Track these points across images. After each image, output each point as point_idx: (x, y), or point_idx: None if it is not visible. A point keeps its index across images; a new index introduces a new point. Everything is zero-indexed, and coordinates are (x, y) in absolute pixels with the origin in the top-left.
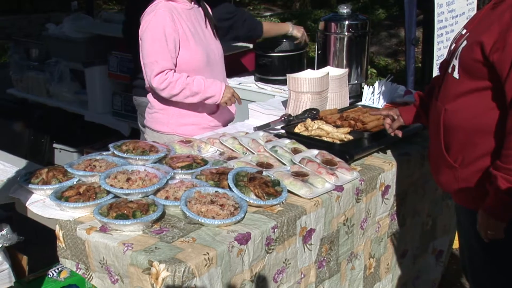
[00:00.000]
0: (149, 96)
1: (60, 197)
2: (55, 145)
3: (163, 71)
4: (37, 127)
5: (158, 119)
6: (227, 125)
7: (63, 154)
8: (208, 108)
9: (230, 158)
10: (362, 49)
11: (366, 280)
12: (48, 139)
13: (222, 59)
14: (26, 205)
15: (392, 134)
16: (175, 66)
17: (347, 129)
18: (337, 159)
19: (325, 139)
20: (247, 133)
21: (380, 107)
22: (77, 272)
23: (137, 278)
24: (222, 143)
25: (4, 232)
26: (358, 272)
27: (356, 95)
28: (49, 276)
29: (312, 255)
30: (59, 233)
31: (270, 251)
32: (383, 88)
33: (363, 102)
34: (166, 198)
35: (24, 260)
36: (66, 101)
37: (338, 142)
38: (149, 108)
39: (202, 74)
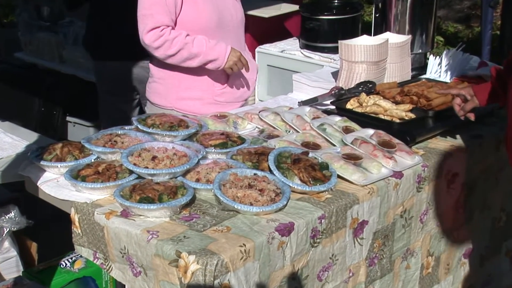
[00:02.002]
0: (150, 63)
1: (76, 176)
2: (68, 118)
3: (158, 27)
4: (48, 97)
5: (156, 90)
6: (241, 102)
7: (77, 129)
8: (214, 79)
9: (271, 137)
10: (428, 12)
11: (422, 281)
12: (60, 111)
13: (242, 24)
14: (38, 184)
15: (462, 118)
16: (175, 24)
17: (409, 106)
18: (396, 140)
19: (382, 117)
20: (290, 108)
21: (448, 81)
22: (95, 262)
23: (163, 271)
24: (261, 119)
25: (11, 215)
26: (413, 271)
27: (420, 66)
28: (61, 266)
29: (363, 250)
30: (75, 217)
31: (315, 244)
32: (452, 59)
33: (427, 75)
34: (197, 180)
35: (34, 247)
36: (82, 67)
37: (398, 120)
38: (150, 77)
39: (212, 39)
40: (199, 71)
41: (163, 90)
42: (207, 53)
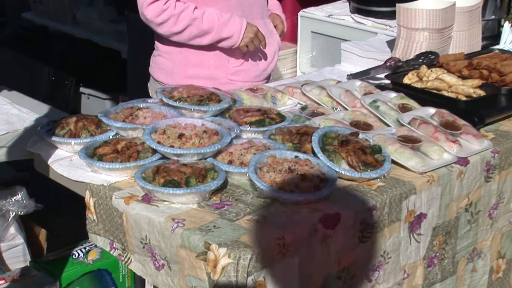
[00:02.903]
0: (155, 35)
1: (93, 154)
2: (82, 89)
3: None
4: (59, 65)
5: (161, 66)
6: (260, 82)
7: (92, 102)
8: (228, 55)
9: (315, 114)
10: None
11: (491, 287)
12: (73, 81)
13: None
14: (48, 163)
15: None
16: None
17: (477, 82)
18: (461, 121)
19: (445, 93)
20: (338, 81)
21: None
22: (111, 252)
23: (189, 265)
24: (304, 94)
25: (18, 197)
26: (481, 275)
27: (492, 35)
28: (73, 256)
29: (420, 248)
30: (90, 202)
31: (364, 239)
32: None
33: (501, 46)
34: (230, 162)
35: (43, 234)
36: (98, 31)
37: (464, 98)
38: (155, 50)
39: (227, 10)
40: (210, 45)
41: (169, 67)
42: (219, 30)
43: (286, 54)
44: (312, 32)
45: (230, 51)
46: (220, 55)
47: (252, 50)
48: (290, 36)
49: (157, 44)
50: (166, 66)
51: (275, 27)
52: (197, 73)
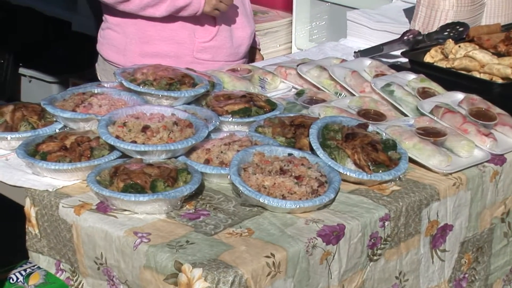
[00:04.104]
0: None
1: (34, 152)
2: (22, 70)
3: None
4: None
5: (111, 41)
6: (236, 62)
7: (34, 85)
8: (194, 26)
9: (314, 102)
10: None
11: None
12: (11, 59)
13: None
14: None
15: None
16: None
17: None
18: (497, 109)
19: (477, 75)
20: (343, 60)
21: None
22: (58, 275)
23: None
24: (301, 76)
25: None
26: None
27: None
28: (11, 281)
29: (445, 268)
30: (31, 212)
31: (375, 257)
32: None
33: None
34: (207, 162)
35: None
36: None
37: (500, 81)
38: (103, 22)
39: None
40: (169, 15)
41: (121, 42)
42: None
43: (278, 26)
44: None
45: (196, 22)
46: (184, 26)
47: (218, 15)
48: (284, 3)
49: (105, 15)
50: (117, 42)
51: (253, 60)
52: (156, 50)
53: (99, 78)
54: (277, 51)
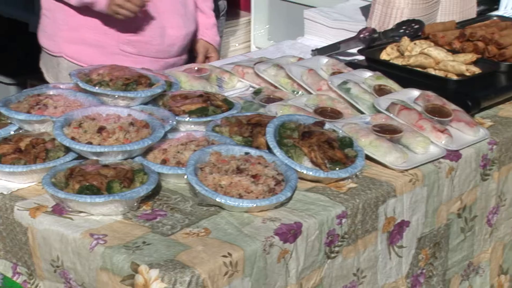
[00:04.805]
0: None
1: None
2: None
3: None
4: None
5: (43, 27)
6: (166, 60)
7: None
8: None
9: (271, 100)
10: None
11: None
12: None
13: None
14: None
15: None
16: None
17: (471, 56)
18: (452, 106)
19: (432, 71)
20: (300, 59)
21: None
22: (15, 279)
23: None
24: (258, 75)
25: None
26: None
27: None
28: None
29: (402, 264)
30: None
31: (333, 255)
32: None
33: (500, 12)
34: (164, 162)
35: None
36: None
37: (455, 77)
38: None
39: None
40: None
41: (51, 28)
42: None
43: (237, 25)
44: None
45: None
46: (111, 17)
47: (123, 17)
48: (242, 2)
49: (41, 2)
50: (48, 28)
51: (208, 58)
52: (83, 37)
53: (41, 69)
54: (236, 50)
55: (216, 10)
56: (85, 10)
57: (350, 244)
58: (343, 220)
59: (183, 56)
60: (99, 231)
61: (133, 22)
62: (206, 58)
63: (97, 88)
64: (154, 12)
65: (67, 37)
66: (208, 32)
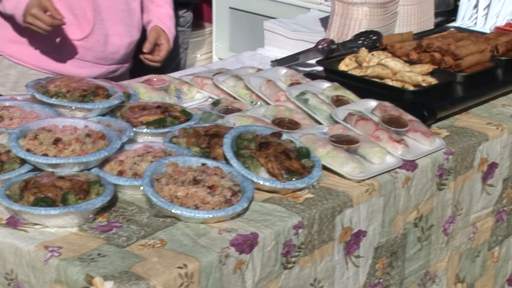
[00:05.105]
0: None
1: None
2: None
3: None
4: None
5: None
6: (107, 67)
7: None
8: (68, 24)
9: (230, 111)
10: None
11: None
12: None
13: None
14: None
15: None
16: None
17: (428, 67)
18: (408, 116)
19: (389, 82)
20: (259, 69)
21: (487, 32)
22: None
23: None
24: (217, 86)
25: None
26: None
27: (447, 10)
28: None
29: (359, 274)
30: None
31: (289, 265)
32: None
33: (458, 23)
34: (120, 173)
35: None
36: None
37: (412, 88)
38: None
39: None
40: None
41: None
42: (3, 4)
43: (199, 36)
44: (230, 8)
45: (69, 20)
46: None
47: (38, 31)
48: (204, 13)
49: None
50: None
51: (159, 45)
52: (23, 38)
53: None
54: (198, 61)
55: (183, 22)
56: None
57: (307, 255)
58: (300, 231)
59: (126, 64)
60: (54, 243)
61: (76, 28)
62: (156, 46)
63: (54, 99)
64: (98, 19)
65: (10, 36)
66: (164, 21)
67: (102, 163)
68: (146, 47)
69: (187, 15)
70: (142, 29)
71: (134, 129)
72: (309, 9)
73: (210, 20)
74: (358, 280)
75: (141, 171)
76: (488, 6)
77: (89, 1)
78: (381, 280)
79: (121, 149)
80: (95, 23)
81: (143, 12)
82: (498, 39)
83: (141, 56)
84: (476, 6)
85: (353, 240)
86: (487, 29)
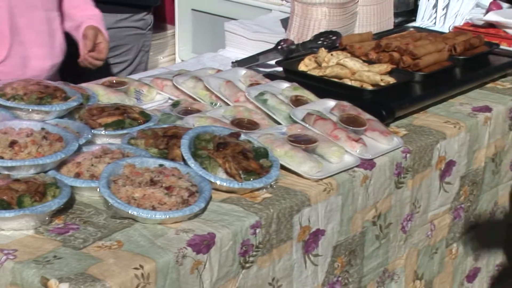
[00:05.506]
0: None
1: None
2: None
3: None
4: None
5: None
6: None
7: None
8: None
9: (189, 112)
10: None
11: None
12: None
13: None
14: None
15: None
16: None
17: (386, 67)
18: (366, 115)
19: (348, 82)
20: (219, 70)
21: (446, 31)
22: None
23: None
24: (177, 87)
25: None
26: None
27: (407, 10)
28: None
29: (318, 273)
30: None
31: (247, 265)
32: None
33: (418, 23)
34: (77, 175)
35: None
36: None
37: (370, 87)
38: None
39: None
40: None
41: None
42: None
43: (161, 38)
44: (192, 10)
45: None
46: None
47: None
48: (168, 15)
49: None
50: None
51: (97, 44)
52: None
53: None
54: (161, 63)
55: (143, 24)
56: None
57: (265, 254)
58: (257, 230)
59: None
60: (9, 246)
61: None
62: (95, 45)
63: (10, 102)
64: (16, 40)
65: None
66: (96, 20)
67: (59, 165)
68: (88, 45)
69: (148, 18)
70: (65, 51)
71: (92, 131)
72: (270, 10)
73: (172, 22)
74: (317, 278)
75: (98, 172)
76: (447, 6)
77: (5, 21)
78: (339, 279)
79: (78, 151)
80: (12, 44)
81: (66, 20)
82: (456, 39)
83: (84, 56)
84: (435, 6)
85: (311, 239)
86: (446, 29)
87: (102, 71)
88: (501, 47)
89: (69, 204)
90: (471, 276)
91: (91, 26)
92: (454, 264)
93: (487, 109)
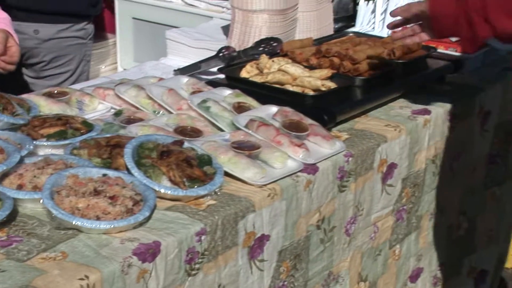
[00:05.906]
0: None
1: None
2: None
3: None
4: None
5: None
6: None
7: None
8: None
9: (132, 121)
10: None
11: None
12: None
13: None
14: None
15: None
16: None
17: (327, 72)
18: (308, 121)
19: (289, 88)
20: (161, 79)
21: (386, 36)
22: None
23: None
24: (119, 96)
25: None
26: None
27: (347, 16)
28: None
29: (264, 278)
30: None
31: (193, 272)
32: (391, 2)
33: (357, 28)
34: (20, 187)
35: None
36: None
37: (311, 92)
38: None
39: None
40: None
41: None
42: None
43: (103, 47)
44: (133, 18)
45: None
46: None
47: None
48: (108, 24)
49: None
50: None
51: (8, 48)
52: None
53: None
54: (103, 73)
55: (84, 34)
56: None
57: (211, 261)
58: (203, 237)
59: None
60: None
61: None
62: (6, 49)
63: None
64: None
65: None
66: (6, 24)
67: (1, 178)
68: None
69: (89, 27)
70: None
71: (34, 142)
72: (211, 17)
73: (113, 31)
74: (263, 283)
75: (41, 184)
76: (385, 11)
77: None
78: (285, 283)
79: (20, 162)
80: None
81: None
82: (394, 43)
83: None
84: (373, 11)
85: (256, 245)
86: (384, 33)
87: (44, 82)
88: (439, 50)
89: (12, 216)
90: (414, 276)
91: (0, 29)
92: (397, 265)
93: (426, 111)
